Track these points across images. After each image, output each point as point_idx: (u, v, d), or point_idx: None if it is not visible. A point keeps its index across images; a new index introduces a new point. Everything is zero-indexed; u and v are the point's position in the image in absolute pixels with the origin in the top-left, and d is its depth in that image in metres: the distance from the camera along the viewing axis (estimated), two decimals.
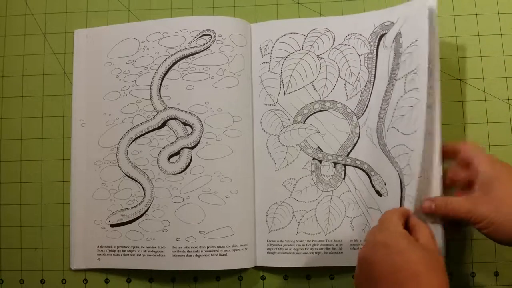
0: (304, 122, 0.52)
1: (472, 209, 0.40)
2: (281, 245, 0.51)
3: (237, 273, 0.52)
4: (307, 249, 0.50)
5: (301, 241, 0.50)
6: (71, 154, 0.54)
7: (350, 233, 0.50)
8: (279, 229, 0.51)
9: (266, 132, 0.52)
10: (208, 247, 0.50)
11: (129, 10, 0.56)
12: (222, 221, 0.50)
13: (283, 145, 0.52)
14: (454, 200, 0.41)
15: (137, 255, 0.51)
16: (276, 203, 0.51)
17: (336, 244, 0.50)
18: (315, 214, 0.51)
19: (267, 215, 0.51)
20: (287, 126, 0.52)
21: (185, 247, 0.51)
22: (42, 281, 0.53)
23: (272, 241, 0.51)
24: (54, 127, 0.55)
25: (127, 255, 0.51)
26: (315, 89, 0.52)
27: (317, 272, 0.52)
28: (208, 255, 0.50)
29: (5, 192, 0.54)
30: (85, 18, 0.56)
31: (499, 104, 0.52)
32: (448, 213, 0.41)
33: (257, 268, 0.52)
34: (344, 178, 0.51)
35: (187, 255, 0.50)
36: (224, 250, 0.50)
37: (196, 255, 0.50)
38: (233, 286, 0.52)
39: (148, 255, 0.51)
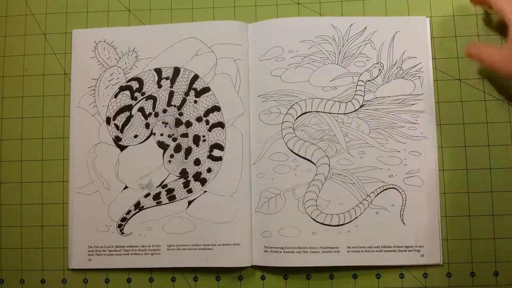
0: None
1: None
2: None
3: (237, 273, 0.53)
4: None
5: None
6: (69, 153, 0.55)
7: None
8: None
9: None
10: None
11: (129, 10, 0.57)
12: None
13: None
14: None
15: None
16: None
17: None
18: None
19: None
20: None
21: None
22: (43, 281, 0.54)
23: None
24: (54, 127, 0.56)
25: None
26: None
27: (317, 272, 0.52)
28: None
29: (5, 192, 0.55)
30: (85, 18, 0.57)
31: (499, 104, 0.52)
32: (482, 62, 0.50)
33: (256, 267, 0.52)
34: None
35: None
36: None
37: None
38: (233, 286, 0.53)
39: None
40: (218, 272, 0.53)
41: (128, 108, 0.54)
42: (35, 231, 0.54)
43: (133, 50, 0.55)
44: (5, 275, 0.54)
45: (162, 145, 0.53)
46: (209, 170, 0.52)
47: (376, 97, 0.52)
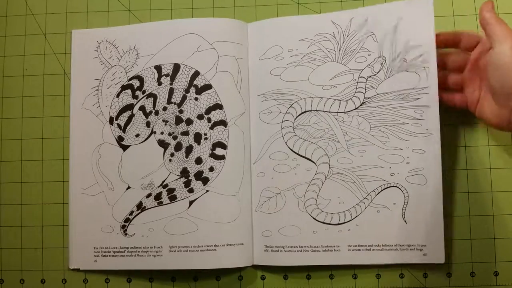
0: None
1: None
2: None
3: (237, 273, 0.53)
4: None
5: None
6: (70, 153, 0.55)
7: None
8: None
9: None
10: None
11: (129, 10, 0.57)
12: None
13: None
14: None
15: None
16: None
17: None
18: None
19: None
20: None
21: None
22: (43, 281, 0.54)
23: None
24: (54, 127, 0.56)
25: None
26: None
27: (317, 272, 0.52)
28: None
29: (5, 192, 0.56)
30: (85, 18, 0.58)
31: None
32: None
33: (256, 267, 0.53)
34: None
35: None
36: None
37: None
38: (233, 285, 0.53)
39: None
40: (218, 272, 0.54)
41: (130, 107, 0.55)
42: (35, 231, 0.55)
43: (134, 48, 0.55)
44: (5, 275, 0.55)
45: (163, 144, 0.54)
46: (211, 169, 0.53)
47: (378, 94, 0.52)
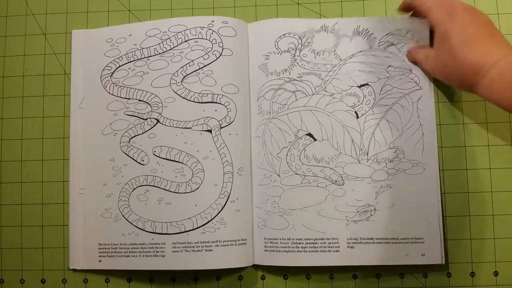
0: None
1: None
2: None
3: (237, 273, 0.53)
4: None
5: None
6: (70, 153, 0.55)
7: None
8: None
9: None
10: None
11: (129, 10, 0.57)
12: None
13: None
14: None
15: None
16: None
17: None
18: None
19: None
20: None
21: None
22: (43, 281, 0.54)
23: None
24: (54, 127, 0.56)
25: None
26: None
27: (317, 272, 0.52)
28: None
29: (5, 192, 0.56)
30: (85, 18, 0.58)
31: None
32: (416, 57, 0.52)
33: (256, 267, 0.53)
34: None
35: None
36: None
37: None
38: (233, 285, 0.53)
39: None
40: (218, 272, 0.54)
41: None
42: (35, 231, 0.55)
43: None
44: (5, 275, 0.55)
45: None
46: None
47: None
